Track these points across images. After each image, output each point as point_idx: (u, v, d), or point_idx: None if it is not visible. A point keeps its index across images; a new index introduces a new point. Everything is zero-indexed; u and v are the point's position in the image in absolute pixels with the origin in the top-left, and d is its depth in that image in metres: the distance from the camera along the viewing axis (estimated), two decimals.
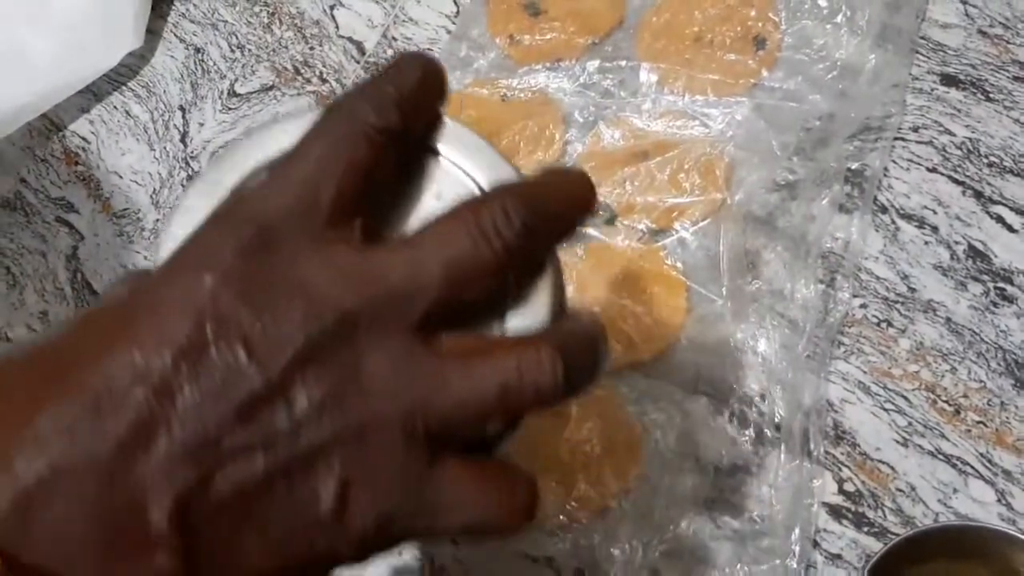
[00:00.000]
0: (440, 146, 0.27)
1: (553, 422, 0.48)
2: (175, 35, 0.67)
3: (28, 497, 0.20)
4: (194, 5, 0.68)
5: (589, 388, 0.25)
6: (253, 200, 0.24)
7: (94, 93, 0.65)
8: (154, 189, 0.61)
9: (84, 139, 0.64)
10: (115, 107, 0.65)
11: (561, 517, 0.46)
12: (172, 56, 0.66)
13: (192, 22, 0.67)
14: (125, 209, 0.61)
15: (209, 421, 0.21)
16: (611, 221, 0.52)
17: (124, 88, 0.66)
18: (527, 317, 0.26)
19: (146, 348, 0.21)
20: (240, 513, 0.21)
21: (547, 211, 0.25)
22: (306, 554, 0.22)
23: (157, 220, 0.60)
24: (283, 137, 0.25)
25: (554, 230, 0.25)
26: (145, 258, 0.59)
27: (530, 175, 0.26)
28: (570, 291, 0.51)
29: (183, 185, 0.61)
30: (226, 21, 0.67)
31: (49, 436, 0.21)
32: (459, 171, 0.26)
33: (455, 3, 0.63)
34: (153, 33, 0.67)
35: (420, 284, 0.23)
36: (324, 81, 0.63)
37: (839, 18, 0.55)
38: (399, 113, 0.24)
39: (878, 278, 0.49)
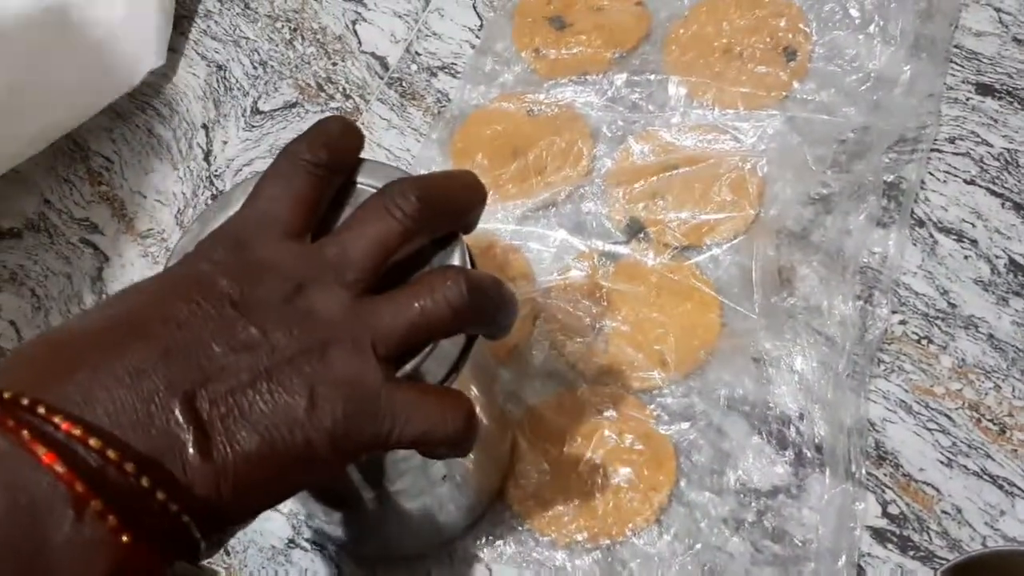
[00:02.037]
0: (360, 178, 0.36)
1: (581, 439, 0.47)
2: (197, 53, 0.67)
3: (87, 385, 0.28)
4: (215, 22, 0.68)
5: (500, 322, 0.35)
6: (233, 223, 0.34)
7: (117, 112, 0.65)
8: (178, 208, 0.61)
9: (107, 159, 0.64)
10: (138, 126, 0.65)
11: (593, 536, 0.45)
12: (194, 74, 0.66)
13: (214, 39, 0.67)
14: (149, 229, 0.61)
15: (208, 346, 0.30)
16: (642, 237, 0.51)
17: (147, 107, 0.65)
18: None
19: (168, 303, 0.31)
20: (234, 407, 0.29)
21: (438, 190, 0.34)
22: (287, 443, 0.30)
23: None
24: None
25: (448, 206, 0.35)
26: None
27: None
28: (600, 309, 0.50)
29: (207, 204, 0.60)
30: (248, 38, 0.66)
31: (104, 352, 0.29)
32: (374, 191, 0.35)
33: (479, 16, 0.63)
34: (174, 51, 0.67)
35: (350, 257, 0.33)
36: (348, 97, 0.62)
37: (872, 28, 0.54)
38: (328, 152, 0.34)
39: (917, 293, 0.48)
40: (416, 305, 0.32)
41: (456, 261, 0.35)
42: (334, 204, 0.36)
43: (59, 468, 0.26)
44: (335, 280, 0.32)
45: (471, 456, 0.36)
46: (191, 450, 0.28)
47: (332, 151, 0.35)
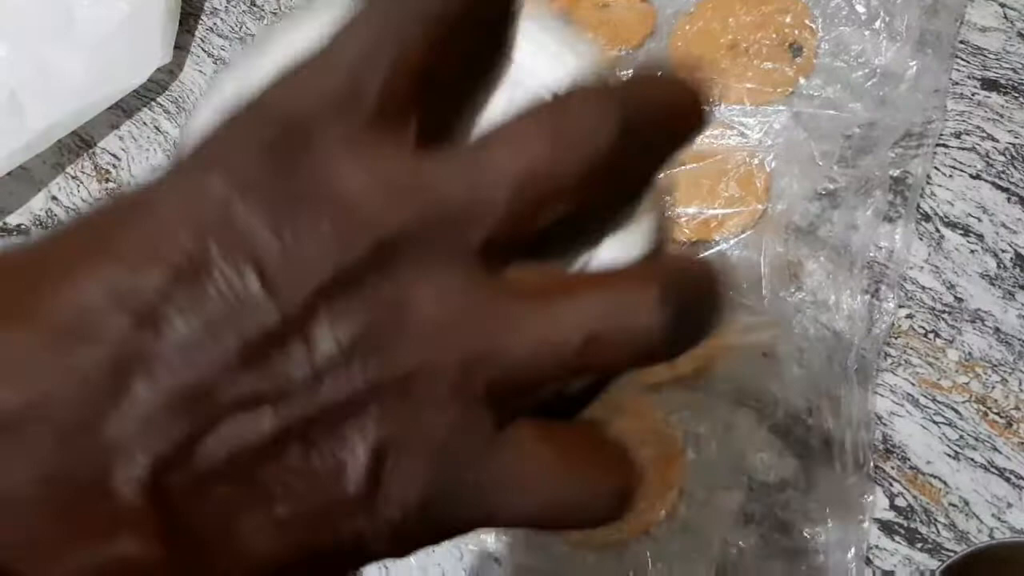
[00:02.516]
0: (517, 44, 0.20)
1: None
2: (203, 50, 0.67)
3: None
4: (221, 19, 0.68)
5: (700, 343, 0.19)
6: (281, 93, 0.18)
7: (124, 109, 0.65)
8: None
9: (114, 156, 0.64)
10: (145, 123, 0.65)
11: (605, 533, 0.45)
12: (201, 71, 0.66)
13: (220, 36, 0.67)
14: None
15: (204, 363, 0.16)
16: None
17: (153, 104, 0.65)
18: (623, 253, 0.20)
19: (131, 265, 0.16)
20: (239, 486, 0.17)
21: (649, 117, 0.19)
22: (326, 544, 0.17)
23: None
24: (330, 21, 0.19)
25: (657, 144, 0.20)
26: None
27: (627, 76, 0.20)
28: None
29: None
30: (253, 34, 0.67)
31: (32, 381, 0.16)
32: (541, 76, 0.20)
33: None
34: (181, 48, 0.67)
35: (483, 201, 0.17)
36: None
37: (877, 24, 0.54)
38: None
39: (923, 288, 0.48)
40: (578, 331, 0.18)
41: (644, 235, 0.20)
42: (470, 98, 0.20)
43: None
44: (451, 241, 0.18)
45: None
46: (155, 564, 0.16)
47: None
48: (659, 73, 0.20)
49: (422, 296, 0.17)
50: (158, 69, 0.64)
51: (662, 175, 0.20)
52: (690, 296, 0.19)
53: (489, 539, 0.47)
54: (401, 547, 0.18)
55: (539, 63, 0.20)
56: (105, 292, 0.16)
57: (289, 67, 0.18)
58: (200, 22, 0.68)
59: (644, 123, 0.19)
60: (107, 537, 0.16)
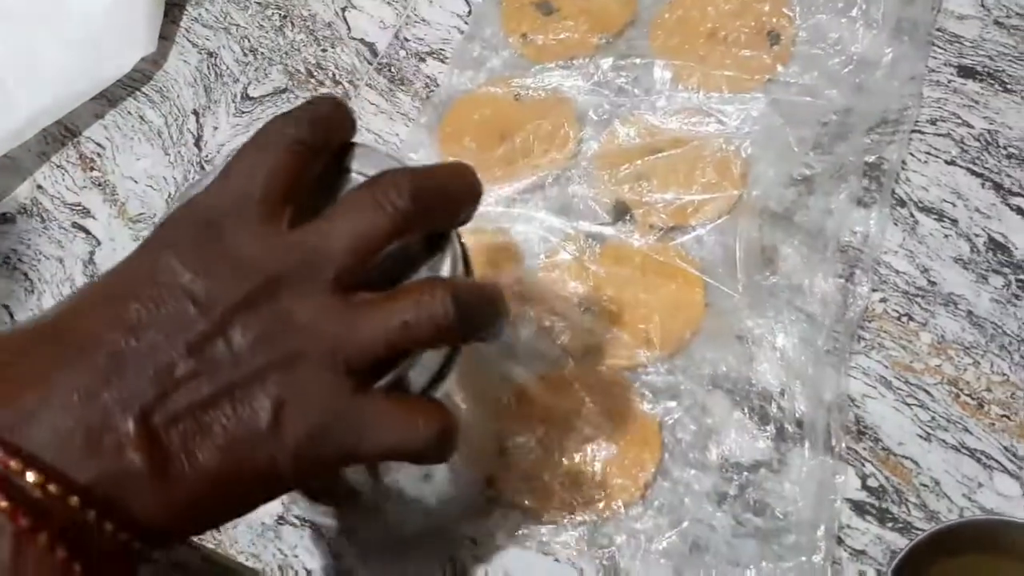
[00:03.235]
0: (353, 164, 0.33)
1: (568, 417, 0.48)
2: (188, 40, 0.67)
3: (30, 409, 0.27)
4: (206, 9, 0.68)
5: (491, 334, 0.32)
6: (202, 200, 0.31)
7: (108, 99, 0.65)
8: (169, 193, 0.61)
9: (99, 145, 0.64)
10: (129, 112, 0.65)
11: (579, 513, 0.46)
12: (185, 61, 0.66)
13: (205, 26, 0.67)
14: (141, 214, 0.61)
15: (165, 355, 0.28)
16: (627, 219, 0.52)
17: (138, 93, 0.66)
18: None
19: (119, 305, 0.29)
20: (193, 424, 0.28)
21: (433, 185, 0.31)
22: (249, 461, 0.28)
23: None
24: None
25: (441, 204, 0.32)
26: None
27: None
28: (587, 289, 0.51)
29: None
30: (238, 25, 0.67)
31: (48, 367, 0.28)
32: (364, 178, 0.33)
33: (467, 3, 0.63)
34: (166, 38, 0.67)
35: (330, 249, 0.29)
36: (337, 83, 0.63)
37: (854, 11, 0.54)
38: (311, 129, 0.31)
39: (897, 272, 0.49)
40: (397, 320, 0.29)
41: (447, 266, 0.32)
42: (322, 193, 0.32)
43: (1, 502, 0.25)
44: (312, 277, 0.29)
45: (455, 456, 0.33)
46: (145, 474, 0.27)
47: (319, 128, 0.32)
48: (442, 164, 0.35)
49: (298, 311, 0.29)
50: (143, 59, 0.64)
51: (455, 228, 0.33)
52: (472, 299, 0.31)
53: (466, 521, 0.47)
54: (299, 469, 0.29)
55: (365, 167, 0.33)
56: (105, 321, 0.28)
57: (210, 181, 0.31)
58: (185, 12, 0.68)
59: (429, 190, 0.31)
60: (115, 453, 0.27)
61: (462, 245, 0.34)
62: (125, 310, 0.28)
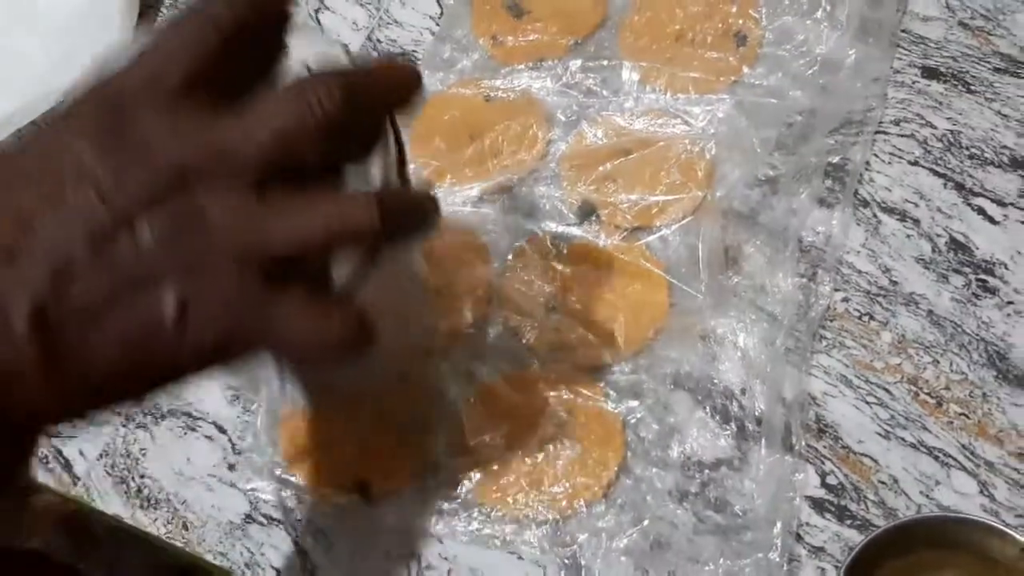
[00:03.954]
0: (292, 51, 0.31)
1: (533, 416, 0.48)
2: None
3: None
4: (181, 9, 0.68)
5: (417, 235, 0.32)
6: (116, 77, 0.29)
7: None
8: None
9: None
10: None
11: (543, 511, 0.46)
12: None
13: None
14: None
15: (63, 246, 0.26)
16: (594, 219, 0.52)
17: None
18: (362, 183, 0.31)
19: (16, 191, 0.27)
20: (90, 318, 0.27)
21: (369, 89, 0.30)
22: (148, 356, 0.27)
23: None
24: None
25: (377, 106, 0.31)
26: None
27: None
28: (553, 289, 0.51)
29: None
30: None
31: None
32: (305, 67, 0.30)
33: (439, 4, 0.64)
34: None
35: (251, 146, 0.28)
36: None
37: (819, 13, 0.55)
38: (245, 4, 0.29)
39: (860, 272, 0.49)
40: (319, 222, 0.28)
41: (376, 168, 0.31)
42: (255, 78, 0.30)
43: None
44: (228, 173, 0.27)
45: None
46: (36, 365, 0.26)
47: (253, 5, 0.29)
48: (383, 61, 0.33)
49: (212, 209, 0.27)
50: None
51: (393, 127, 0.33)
52: (397, 204, 0.30)
53: (431, 517, 0.47)
54: (201, 364, 0.28)
55: (304, 53, 0.31)
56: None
57: (128, 58, 0.29)
58: (160, 15, 0.68)
59: (364, 95, 0.29)
60: (10, 348, 0.26)
61: (398, 139, 0.33)
62: (23, 198, 0.27)
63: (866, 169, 0.52)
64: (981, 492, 0.44)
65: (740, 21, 0.56)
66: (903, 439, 0.45)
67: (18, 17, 0.64)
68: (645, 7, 0.59)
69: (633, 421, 0.48)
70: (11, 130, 0.63)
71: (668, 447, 0.47)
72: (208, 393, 0.53)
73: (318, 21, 0.65)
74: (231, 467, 0.51)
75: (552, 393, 0.49)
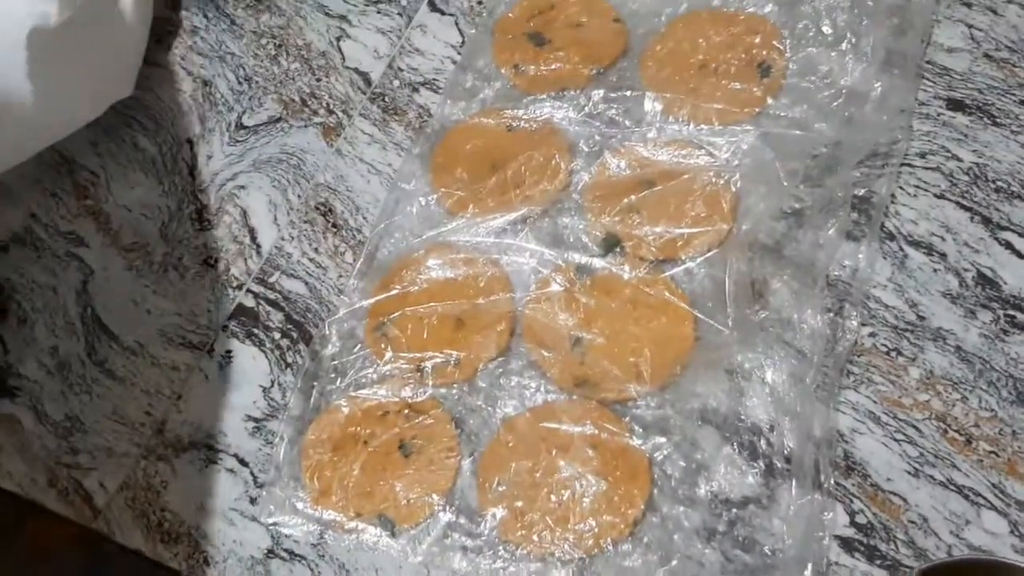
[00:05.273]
0: None
1: (557, 451, 0.48)
2: (183, 68, 0.67)
3: None
4: (201, 38, 0.68)
5: None
6: None
7: (102, 127, 0.65)
8: (163, 222, 0.61)
9: (93, 173, 0.65)
10: (123, 140, 0.65)
11: (569, 550, 0.46)
12: (180, 89, 0.67)
13: (199, 55, 0.68)
14: (134, 242, 0.61)
15: None
16: (618, 251, 0.52)
17: (132, 121, 0.66)
18: None
19: None
20: None
21: None
22: None
23: (166, 254, 0.60)
24: None
25: None
26: (154, 291, 0.59)
27: None
28: (577, 322, 0.51)
29: (192, 218, 0.61)
30: (233, 53, 0.67)
31: None
32: None
33: (461, 33, 0.64)
34: (160, 66, 0.67)
35: None
36: (331, 112, 0.63)
37: (844, 44, 0.55)
38: None
39: (887, 306, 0.49)
40: None
41: None
42: None
43: None
44: None
45: None
46: None
47: None
48: None
49: None
50: (137, 87, 0.65)
51: None
52: None
53: (455, 556, 0.47)
54: None
55: None
56: None
57: None
58: (180, 40, 0.69)
59: None
60: None
61: None
62: None
63: (892, 202, 0.51)
64: (1012, 532, 0.43)
65: (764, 51, 0.56)
66: (932, 477, 0.45)
67: (17, 60, 0.63)
68: (667, 37, 0.58)
69: (659, 457, 0.47)
70: (3, 169, 0.61)
71: (695, 484, 0.46)
72: (229, 425, 0.53)
73: (339, 49, 0.65)
74: (253, 501, 0.51)
75: (577, 428, 0.48)
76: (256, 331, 0.56)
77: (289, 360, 0.55)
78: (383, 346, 0.53)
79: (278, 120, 0.64)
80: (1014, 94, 0.53)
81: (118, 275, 0.60)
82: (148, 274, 0.60)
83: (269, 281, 0.58)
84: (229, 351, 0.56)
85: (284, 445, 0.51)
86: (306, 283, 0.57)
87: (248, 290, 0.58)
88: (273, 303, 0.57)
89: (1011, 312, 0.47)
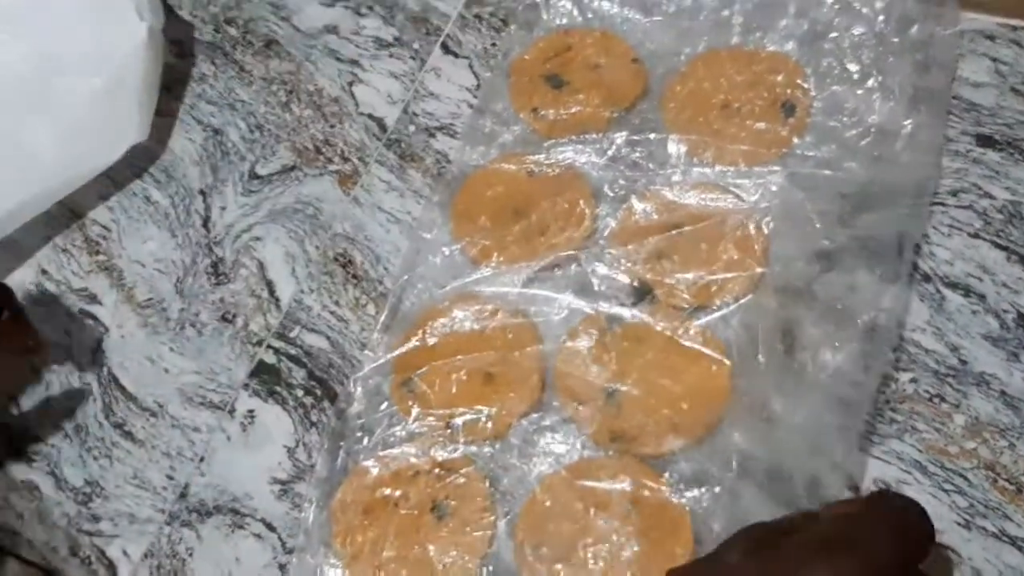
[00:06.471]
0: None
1: (596, 509, 0.46)
2: (192, 117, 0.67)
3: None
4: (210, 85, 0.67)
5: None
6: None
7: (113, 179, 0.64)
8: (178, 277, 0.60)
9: (105, 227, 0.64)
10: (135, 193, 0.64)
11: None
12: (190, 139, 0.66)
13: (209, 103, 0.67)
14: (149, 299, 0.60)
15: None
16: (649, 299, 0.51)
17: (143, 173, 0.65)
18: None
19: None
20: None
21: None
22: None
23: (182, 310, 0.59)
24: None
25: None
26: (171, 349, 0.58)
27: None
28: (610, 374, 0.50)
29: (207, 272, 0.60)
30: (244, 101, 0.66)
31: None
32: None
33: (476, 76, 0.63)
34: (169, 116, 0.66)
35: None
36: (346, 159, 0.62)
37: (870, 82, 0.54)
38: None
39: (927, 351, 0.48)
40: None
41: None
42: None
43: None
44: None
45: None
46: None
47: None
48: None
49: None
50: (148, 137, 0.64)
51: None
52: None
53: None
54: None
55: None
56: None
57: None
58: (189, 88, 0.68)
59: None
60: None
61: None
62: None
63: (926, 242, 0.51)
64: None
65: (788, 90, 0.55)
66: (984, 528, 0.44)
67: (32, 106, 0.63)
68: (688, 77, 0.58)
69: (701, 512, 0.46)
70: (22, 222, 0.61)
71: None
72: (254, 488, 0.52)
73: (352, 95, 0.64)
74: (282, 567, 0.49)
75: (615, 485, 0.47)
76: (278, 389, 0.55)
77: (313, 419, 0.53)
78: (410, 403, 0.51)
79: (292, 169, 0.62)
80: None
81: (133, 333, 0.59)
82: (164, 331, 0.59)
83: (290, 336, 0.56)
84: (251, 410, 0.55)
85: (312, 509, 0.50)
86: (328, 337, 0.56)
87: (268, 346, 0.56)
88: (295, 359, 0.56)
89: None
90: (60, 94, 0.63)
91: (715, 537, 0.45)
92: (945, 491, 0.45)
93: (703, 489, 0.46)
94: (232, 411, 0.55)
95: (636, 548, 0.46)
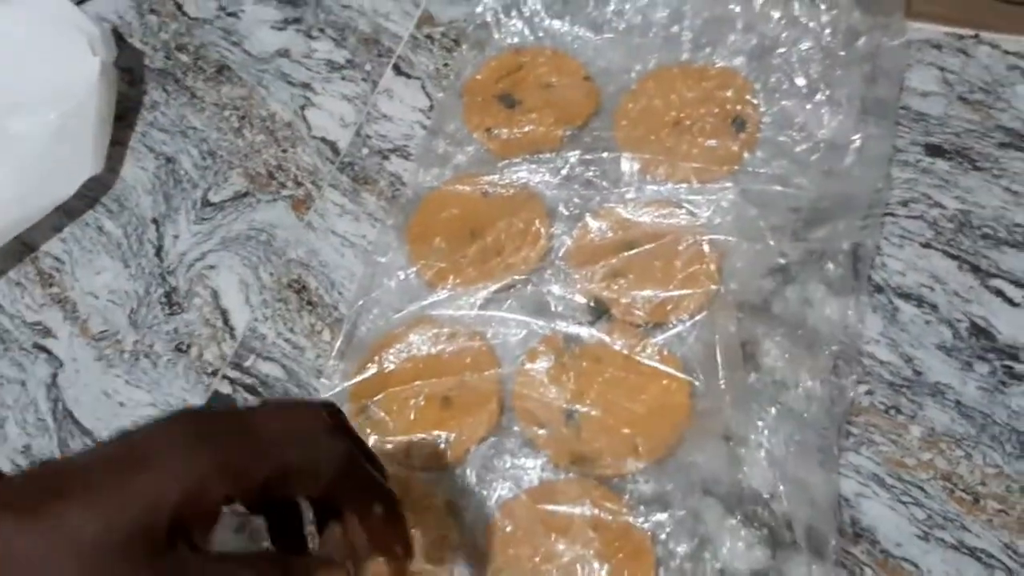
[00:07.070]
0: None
1: (556, 535, 0.46)
2: (144, 145, 0.66)
3: None
4: (162, 113, 0.67)
5: None
6: None
7: (65, 212, 0.63)
8: (132, 308, 0.59)
9: (58, 259, 0.63)
10: (87, 224, 0.63)
11: None
12: (142, 167, 0.65)
13: (161, 131, 0.66)
14: (104, 331, 0.59)
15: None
16: (606, 318, 0.51)
17: (96, 203, 0.64)
18: None
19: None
20: None
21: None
22: None
23: (136, 341, 0.58)
24: None
25: None
26: (126, 382, 0.57)
27: None
28: (569, 395, 0.49)
29: (161, 302, 0.59)
30: (196, 128, 0.66)
31: None
32: None
33: (428, 97, 0.62)
34: (121, 144, 0.66)
35: None
36: (299, 184, 0.61)
37: (819, 96, 0.54)
38: None
39: (881, 362, 0.48)
40: None
41: None
42: None
43: None
44: None
45: None
46: None
47: None
48: None
49: None
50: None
51: None
52: None
53: None
54: None
55: None
56: None
57: None
58: (140, 117, 0.67)
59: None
60: None
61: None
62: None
63: (878, 254, 0.51)
64: None
65: (737, 106, 0.55)
66: (943, 540, 0.44)
67: None
68: (639, 94, 0.58)
69: (662, 535, 0.46)
70: None
71: (701, 559, 0.45)
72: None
73: (304, 119, 0.64)
74: None
75: (576, 509, 0.47)
76: None
77: None
78: (368, 431, 0.51)
79: (245, 195, 0.62)
80: (992, 137, 0.53)
81: (88, 366, 0.58)
82: (119, 364, 0.58)
83: (245, 365, 0.56)
84: None
85: None
86: (283, 366, 0.55)
87: (224, 376, 0.56)
88: (250, 388, 0.55)
89: (1008, 363, 0.47)
90: (14, 132, 0.62)
91: (678, 559, 0.45)
92: (903, 503, 0.45)
93: (664, 511, 0.46)
94: None
95: (600, 573, 0.45)
